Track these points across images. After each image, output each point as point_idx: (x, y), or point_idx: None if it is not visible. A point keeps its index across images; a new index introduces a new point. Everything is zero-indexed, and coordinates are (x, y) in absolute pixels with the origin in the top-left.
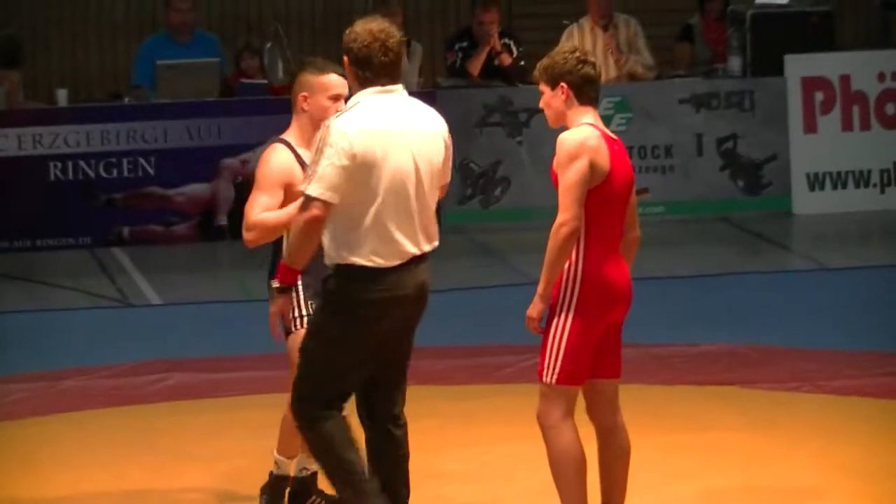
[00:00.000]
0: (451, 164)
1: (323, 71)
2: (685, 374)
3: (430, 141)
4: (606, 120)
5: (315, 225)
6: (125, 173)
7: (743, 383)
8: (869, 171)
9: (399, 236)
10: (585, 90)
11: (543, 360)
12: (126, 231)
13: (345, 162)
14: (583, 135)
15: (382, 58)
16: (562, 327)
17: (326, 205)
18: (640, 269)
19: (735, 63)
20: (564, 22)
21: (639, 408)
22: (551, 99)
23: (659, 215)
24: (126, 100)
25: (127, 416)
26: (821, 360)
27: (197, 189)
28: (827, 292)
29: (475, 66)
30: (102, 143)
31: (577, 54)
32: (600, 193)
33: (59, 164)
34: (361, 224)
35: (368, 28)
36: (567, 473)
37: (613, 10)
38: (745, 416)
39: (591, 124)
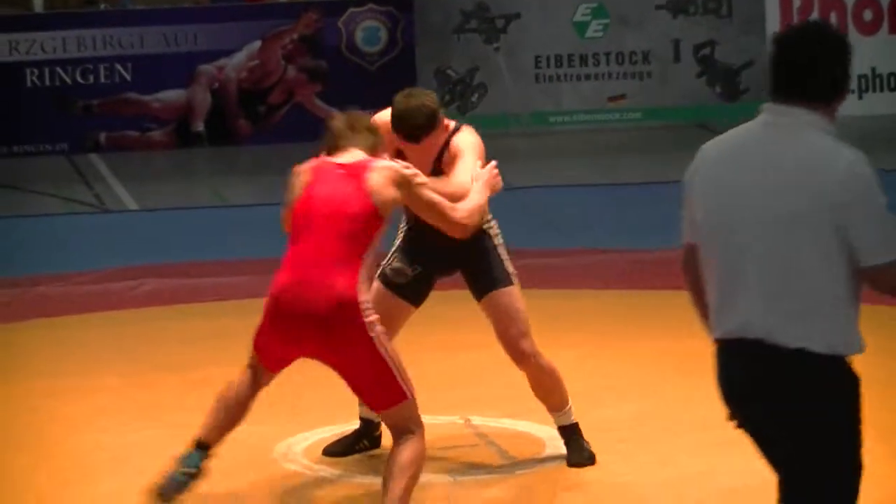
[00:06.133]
0: None
1: None
2: (663, 279)
3: None
4: (583, 26)
5: None
6: (102, 79)
7: None
8: None
9: None
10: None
11: None
12: (102, 137)
13: None
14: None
15: None
16: None
17: None
18: (617, 174)
19: None
20: None
21: (631, 315)
22: None
23: (636, 121)
24: (102, 6)
25: (102, 323)
26: None
27: (173, 95)
28: None
29: None
30: (79, 50)
31: None
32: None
33: (36, 71)
34: None
35: None
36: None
37: None
38: None
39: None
